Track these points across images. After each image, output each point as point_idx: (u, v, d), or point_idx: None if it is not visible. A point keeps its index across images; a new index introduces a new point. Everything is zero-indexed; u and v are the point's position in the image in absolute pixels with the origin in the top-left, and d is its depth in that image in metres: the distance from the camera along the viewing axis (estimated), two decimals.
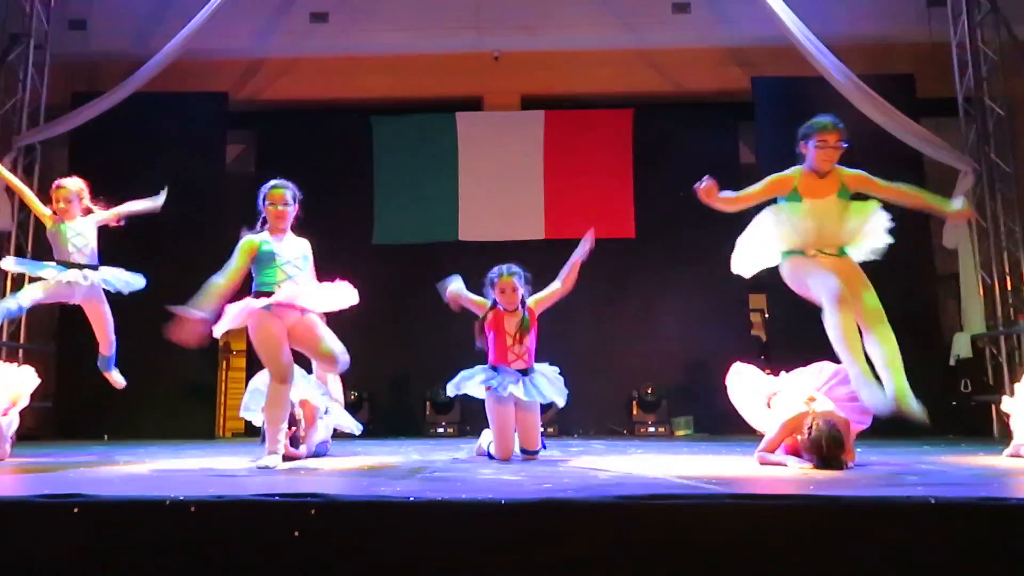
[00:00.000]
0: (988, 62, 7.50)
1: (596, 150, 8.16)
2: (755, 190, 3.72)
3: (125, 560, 2.03)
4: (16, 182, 5.24)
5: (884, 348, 3.39)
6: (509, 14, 8.07)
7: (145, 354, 7.47)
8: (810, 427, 3.38)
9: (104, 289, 4.92)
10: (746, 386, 4.02)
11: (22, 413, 4.58)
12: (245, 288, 3.93)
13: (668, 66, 8.25)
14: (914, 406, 3.26)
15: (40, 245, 8.03)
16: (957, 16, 7.62)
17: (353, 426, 4.77)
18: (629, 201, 8.11)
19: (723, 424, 7.10)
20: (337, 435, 7.17)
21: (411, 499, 2.15)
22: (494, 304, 4.34)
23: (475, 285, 8.07)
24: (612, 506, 2.11)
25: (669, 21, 8.07)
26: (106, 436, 7.04)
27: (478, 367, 4.39)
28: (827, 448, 3.34)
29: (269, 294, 3.80)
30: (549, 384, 4.24)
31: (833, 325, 3.35)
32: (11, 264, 5.07)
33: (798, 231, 3.64)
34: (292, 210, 4.10)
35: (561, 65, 8.21)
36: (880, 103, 6.85)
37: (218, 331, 3.75)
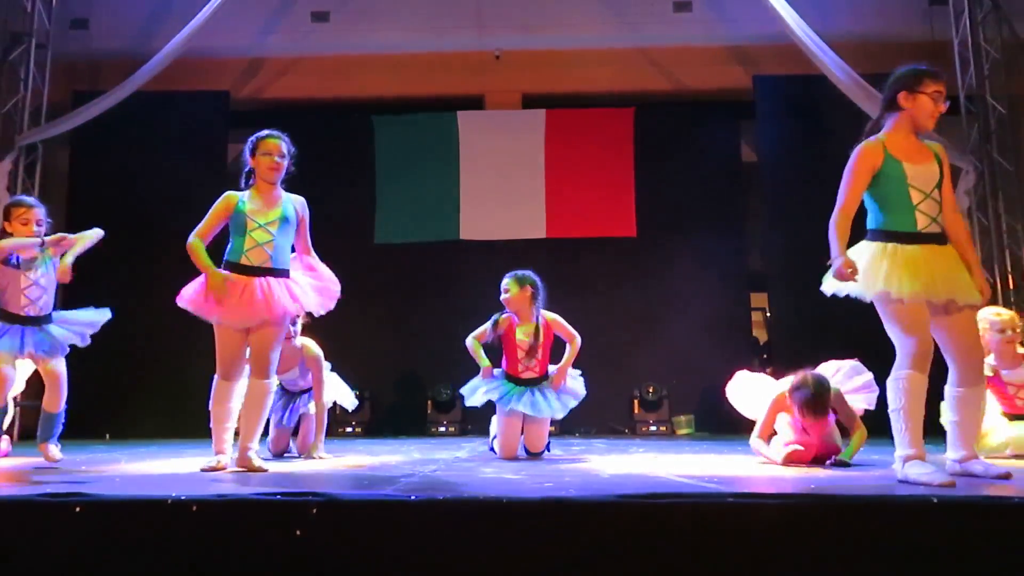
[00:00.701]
0: (990, 60, 7.48)
1: (597, 149, 8.16)
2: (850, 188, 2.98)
3: (127, 559, 2.03)
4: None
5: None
6: (510, 13, 8.06)
7: (146, 353, 7.51)
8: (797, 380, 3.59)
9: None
10: (748, 391, 4.04)
11: (24, 412, 4.60)
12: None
13: (669, 64, 8.25)
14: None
15: None
16: (959, 14, 7.61)
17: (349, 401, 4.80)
18: (630, 200, 8.10)
19: (724, 423, 7.10)
20: (337, 434, 7.21)
21: (413, 498, 2.15)
22: (504, 311, 4.31)
23: (476, 284, 8.09)
24: (613, 505, 2.11)
25: (670, 19, 8.06)
26: (108, 435, 7.05)
27: (482, 380, 4.42)
28: (813, 386, 3.51)
29: (235, 265, 3.52)
30: (556, 399, 4.22)
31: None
32: None
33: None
34: (286, 164, 3.77)
35: (562, 64, 8.21)
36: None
37: (182, 302, 3.56)
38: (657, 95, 8.31)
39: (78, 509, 2.07)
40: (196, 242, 3.59)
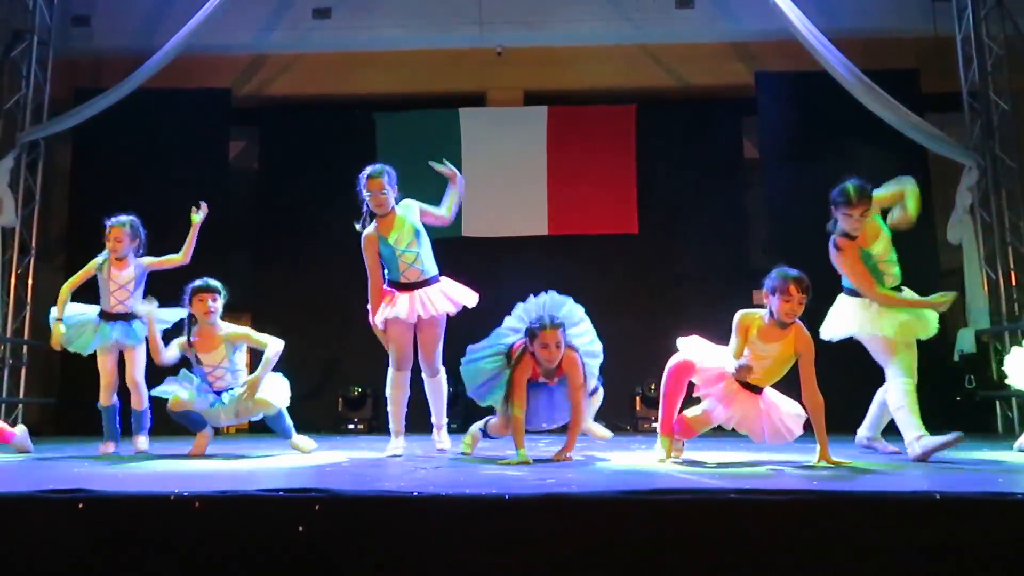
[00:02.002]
0: (993, 56, 7.47)
1: (599, 146, 8.15)
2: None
3: (130, 555, 2.03)
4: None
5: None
6: (512, 9, 8.05)
7: (149, 349, 7.50)
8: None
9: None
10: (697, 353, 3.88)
11: (27, 408, 4.64)
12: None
13: (671, 61, 8.24)
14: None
15: (45, 242, 8.06)
16: (962, 10, 7.59)
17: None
18: (632, 196, 8.09)
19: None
20: (340, 431, 7.21)
21: (415, 494, 2.15)
22: (524, 351, 3.65)
23: (478, 281, 8.07)
24: (615, 501, 2.11)
25: (672, 16, 8.05)
26: None
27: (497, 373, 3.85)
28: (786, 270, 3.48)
29: (398, 284, 4.25)
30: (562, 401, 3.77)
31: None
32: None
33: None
34: (391, 193, 4.37)
35: (564, 61, 8.20)
36: (884, 98, 6.83)
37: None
38: (659, 92, 8.30)
39: (81, 505, 2.07)
40: (377, 286, 4.32)
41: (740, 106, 8.14)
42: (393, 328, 4.26)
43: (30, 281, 7.71)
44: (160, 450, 4.58)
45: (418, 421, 7.96)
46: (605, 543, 2.01)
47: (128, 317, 4.64)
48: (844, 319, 3.84)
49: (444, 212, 4.58)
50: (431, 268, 4.36)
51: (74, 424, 7.38)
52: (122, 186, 7.75)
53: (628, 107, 8.23)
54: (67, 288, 4.67)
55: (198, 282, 4.34)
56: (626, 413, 7.61)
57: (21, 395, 7.43)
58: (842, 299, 3.90)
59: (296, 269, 7.98)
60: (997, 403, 7.01)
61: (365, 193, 4.30)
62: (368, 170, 4.37)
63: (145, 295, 4.66)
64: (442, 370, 4.50)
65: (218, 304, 4.31)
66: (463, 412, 7.54)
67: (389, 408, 4.42)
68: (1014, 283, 7.24)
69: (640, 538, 2.02)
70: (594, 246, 8.01)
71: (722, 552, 2.01)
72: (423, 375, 4.47)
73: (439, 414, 4.58)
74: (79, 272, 4.76)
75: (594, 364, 3.96)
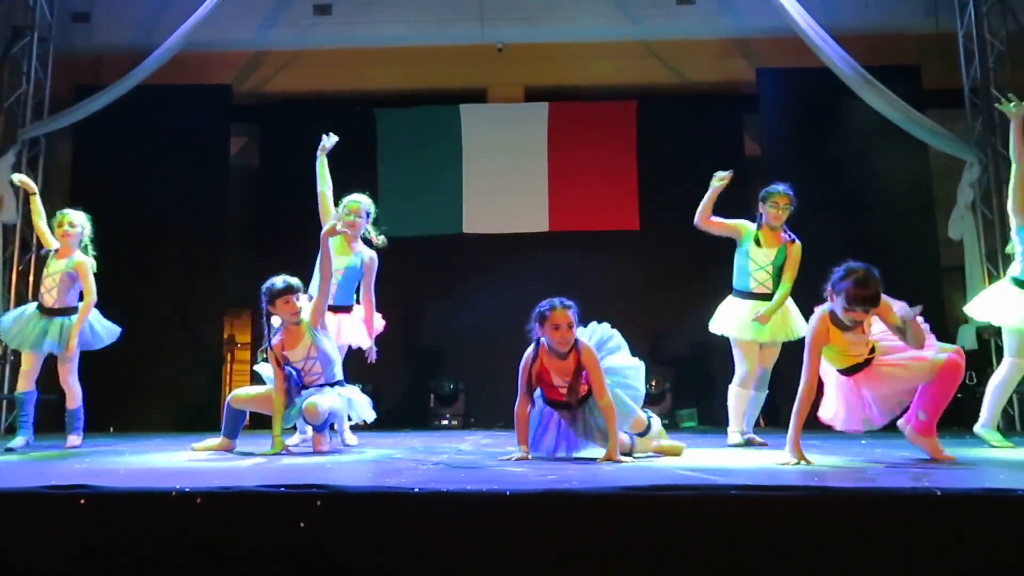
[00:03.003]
0: (995, 52, 7.45)
1: (600, 142, 8.14)
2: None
3: (131, 551, 2.03)
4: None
5: None
6: (513, 6, 8.04)
7: (151, 345, 7.52)
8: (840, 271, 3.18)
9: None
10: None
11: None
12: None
13: (672, 58, 8.22)
14: None
15: None
16: (964, 6, 7.57)
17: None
18: (633, 193, 8.09)
19: (728, 417, 7.10)
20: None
21: (416, 490, 2.15)
22: (538, 343, 3.52)
23: (479, 277, 8.06)
24: (617, 497, 2.11)
25: (673, 12, 8.04)
26: (112, 428, 7.06)
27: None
28: (863, 271, 3.11)
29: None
30: (600, 420, 3.45)
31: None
32: None
33: None
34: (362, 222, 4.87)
35: (565, 57, 8.19)
36: (886, 94, 6.81)
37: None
38: (660, 88, 8.29)
39: (83, 501, 2.08)
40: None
41: (741, 102, 8.13)
42: None
43: (31, 278, 7.70)
44: (162, 447, 4.58)
45: (419, 417, 7.94)
46: (606, 539, 2.02)
47: (64, 312, 4.62)
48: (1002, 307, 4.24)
49: (322, 187, 5.03)
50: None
51: None
52: (123, 183, 7.77)
53: (629, 103, 8.22)
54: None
55: (280, 284, 4.04)
56: None
57: None
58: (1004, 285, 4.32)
59: (296, 266, 7.92)
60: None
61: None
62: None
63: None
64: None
65: (303, 301, 4.08)
66: (463, 410, 7.55)
67: None
68: None
69: (641, 534, 2.02)
70: (595, 242, 8.01)
71: (723, 548, 2.01)
72: None
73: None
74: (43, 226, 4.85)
75: (633, 401, 3.70)
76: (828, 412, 3.46)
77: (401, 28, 8.10)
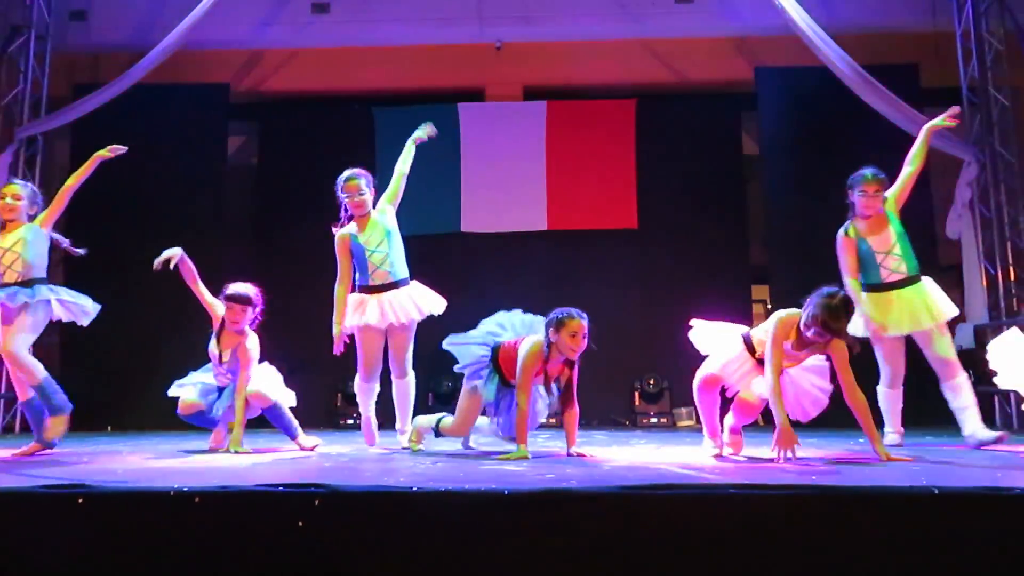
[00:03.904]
0: (992, 51, 7.46)
1: (599, 141, 8.13)
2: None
3: (130, 551, 2.04)
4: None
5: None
6: (511, 4, 8.03)
7: (148, 345, 7.52)
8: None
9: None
10: (710, 334, 3.89)
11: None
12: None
13: (671, 56, 8.22)
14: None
15: None
16: (961, 5, 7.58)
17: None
18: (631, 192, 8.08)
19: (725, 415, 7.10)
20: (339, 426, 7.21)
21: (414, 489, 2.15)
22: (549, 345, 3.67)
23: (477, 276, 8.06)
24: (615, 496, 2.11)
25: (672, 11, 8.03)
26: (109, 427, 7.06)
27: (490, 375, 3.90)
28: (838, 296, 3.29)
29: (367, 288, 4.29)
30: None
31: None
32: None
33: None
34: (368, 197, 4.53)
35: (563, 55, 8.18)
36: (884, 93, 6.81)
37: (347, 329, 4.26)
38: (659, 87, 8.28)
39: (80, 501, 2.08)
40: (340, 291, 4.43)
41: (739, 101, 8.13)
42: (363, 335, 4.28)
43: None
44: (160, 447, 4.57)
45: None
46: (604, 538, 2.02)
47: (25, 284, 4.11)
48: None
49: (402, 167, 4.94)
50: (401, 271, 4.43)
51: (74, 420, 7.38)
52: (120, 181, 7.73)
53: (628, 102, 8.22)
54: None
55: (240, 292, 4.36)
56: (625, 408, 7.62)
57: None
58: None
59: (295, 264, 7.98)
60: (996, 398, 7.02)
61: (343, 196, 4.47)
62: (346, 173, 4.58)
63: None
64: (411, 373, 4.53)
65: (248, 316, 4.37)
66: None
67: (363, 414, 4.50)
68: (1013, 278, 7.24)
69: (639, 533, 2.02)
70: (593, 241, 8.01)
71: (721, 547, 2.01)
72: (392, 376, 4.48)
73: (403, 418, 4.50)
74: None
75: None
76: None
77: (399, 27, 8.09)
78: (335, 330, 4.30)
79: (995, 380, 4.29)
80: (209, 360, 4.46)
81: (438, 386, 7.50)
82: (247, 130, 8.57)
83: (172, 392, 4.45)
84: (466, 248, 8.02)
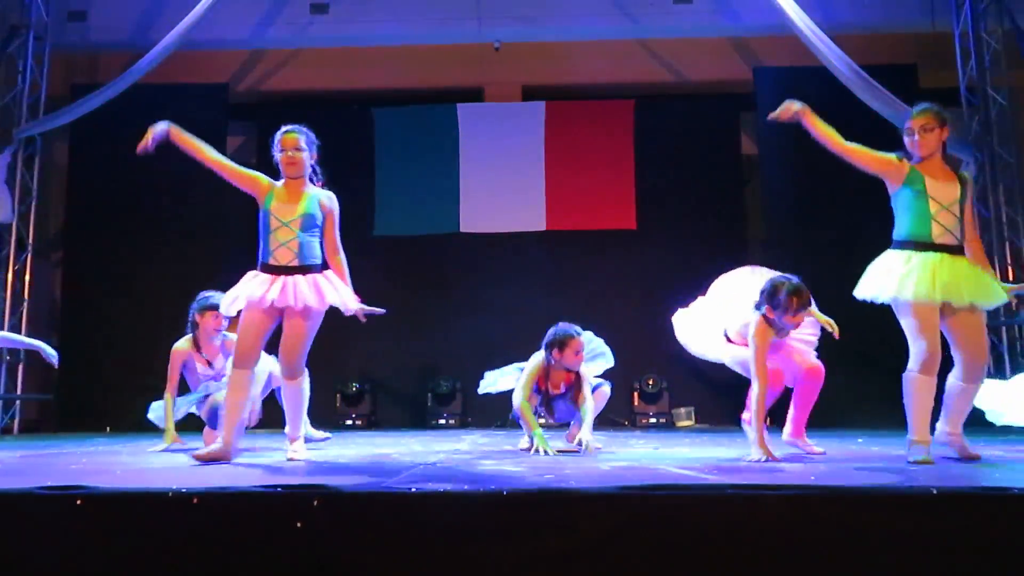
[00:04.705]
0: (991, 52, 7.47)
1: (597, 141, 8.14)
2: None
3: (128, 552, 2.03)
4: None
5: None
6: (510, 4, 8.03)
7: (147, 345, 7.50)
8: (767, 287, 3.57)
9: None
10: (695, 327, 4.08)
11: (24, 405, 4.61)
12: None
13: (670, 56, 8.22)
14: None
15: (42, 238, 8.05)
16: (960, 5, 7.59)
17: None
18: (630, 192, 8.09)
19: (725, 415, 7.11)
20: (338, 426, 7.21)
21: (413, 490, 2.15)
22: (540, 364, 4.18)
23: (476, 276, 8.05)
24: (614, 497, 2.11)
25: (671, 11, 8.03)
26: (108, 428, 7.06)
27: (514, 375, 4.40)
28: (789, 282, 3.50)
29: (267, 267, 3.57)
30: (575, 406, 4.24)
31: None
32: None
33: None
34: (306, 157, 3.83)
35: (562, 56, 8.18)
36: (882, 93, 6.82)
37: (232, 311, 3.63)
38: (657, 87, 8.29)
39: (79, 502, 2.07)
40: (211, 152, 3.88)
41: (738, 101, 8.13)
42: (246, 313, 3.54)
43: (27, 277, 7.70)
44: (161, 445, 4.57)
45: (417, 416, 7.93)
46: (603, 538, 2.02)
47: None
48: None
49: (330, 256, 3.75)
50: (310, 257, 3.63)
51: (72, 420, 7.39)
52: (119, 182, 7.74)
53: (626, 102, 8.22)
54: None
55: (214, 300, 4.34)
56: (624, 408, 7.62)
57: (19, 391, 7.43)
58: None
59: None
60: None
61: (276, 153, 3.84)
62: (285, 128, 3.94)
63: None
64: (306, 375, 3.78)
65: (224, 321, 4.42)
66: (461, 410, 7.54)
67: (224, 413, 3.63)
68: (1011, 278, 7.25)
69: (638, 533, 2.02)
70: (592, 241, 8.01)
71: (720, 547, 2.01)
72: (282, 376, 3.74)
73: (292, 424, 3.75)
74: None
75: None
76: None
77: (398, 27, 8.09)
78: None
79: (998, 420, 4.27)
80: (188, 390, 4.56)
81: (437, 386, 7.51)
82: (246, 130, 8.56)
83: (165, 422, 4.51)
84: (465, 248, 8.02)
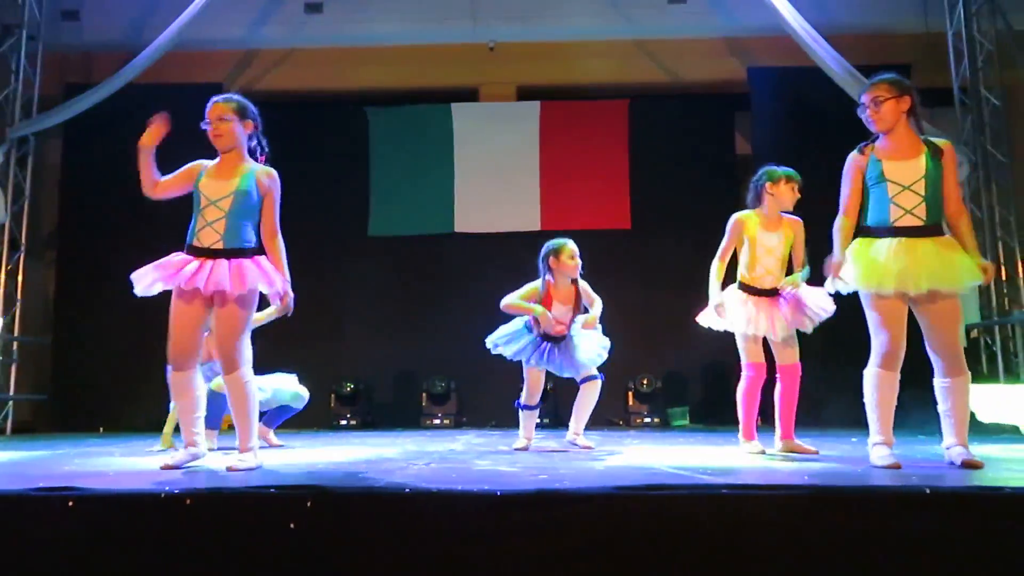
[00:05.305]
0: (984, 52, 7.49)
1: (592, 141, 8.14)
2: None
3: (121, 553, 2.03)
4: None
5: None
6: (505, 4, 8.03)
7: (140, 346, 7.49)
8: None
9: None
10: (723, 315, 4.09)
11: (17, 405, 4.58)
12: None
13: (664, 56, 8.23)
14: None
15: (35, 237, 8.02)
16: (953, 6, 7.61)
17: None
18: (625, 191, 8.09)
19: (719, 414, 7.12)
20: (332, 427, 7.20)
21: (407, 490, 2.15)
22: (545, 281, 4.41)
23: (471, 276, 8.03)
24: (608, 497, 2.11)
25: (665, 11, 8.04)
26: (101, 428, 7.03)
27: (519, 330, 4.48)
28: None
29: (192, 249, 3.24)
30: (582, 351, 4.41)
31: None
32: None
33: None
34: (235, 128, 3.39)
35: (557, 56, 8.19)
36: None
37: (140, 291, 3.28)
38: (652, 87, 8.29)
39: (71, 503, 2.07)
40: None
41: (733, 101, 8.14)
42: (173, 307, 3.25)
43: (20, 277, 7.67)
44: (156, 445, 4.56)
45: (411, 416, 7.92)
46: (598, 539, 2.02)
47: None
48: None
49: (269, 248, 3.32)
50: (238, 240, 3.24)
51: (66, 420, 7.36)
52: (113, 182, 7.67)
53: (621, 102, 8.22)
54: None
55: None
56: (619, 408, 7.62)
57: (12, 392, 7.40)
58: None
59: (288, 264, 7.98)
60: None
61: (204, 126, 3.44)
62: (213, 97, 3.50)
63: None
64: (245, 371, 3.23)
65: None
66: (455, 410, 7.53)
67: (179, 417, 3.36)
68: (1004, 277, 7.28)
69: (633, 533, 2.02)
70: (587, 241, 7.90)
71: (715, 547, 2.02)
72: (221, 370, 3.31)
73: (242, 431, 3.25)
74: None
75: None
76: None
77: (393, 26, 8.08)
78: None
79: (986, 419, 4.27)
80: None
81: (432, 386, 7.50)
82: None
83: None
84: (460, 248, 8.02)
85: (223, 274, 3.14)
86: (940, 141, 3.21)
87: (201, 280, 3.13)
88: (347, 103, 8.35)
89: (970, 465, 2.95)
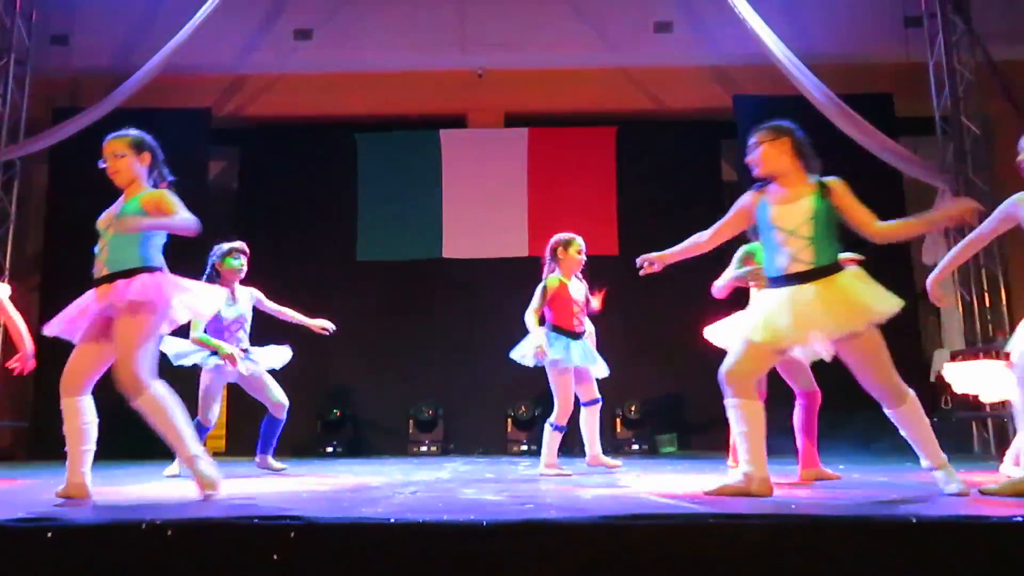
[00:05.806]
0: (964, 82, 7.62)
1: (579, 167, 8.20)
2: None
3: None
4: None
5: None
6: (493, 32, 8.11)
7: None
8: None
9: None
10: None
11: None
12: None
13: (651, 84, 8.32)
14: None
15: (20, 262, 7.95)
16: (933, 36, 7.75)
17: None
18: (612, 218, 8.14)
19: (707, 441, 7.11)
20: (318, 454, 7.13)
21: (392, 520, 2.13)
22: (555, 274, 4.61)
23: (459, 302, 8.03)
24: (595, 527, 2.10)
25: (652, 40, 8.15)
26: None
27: (550, 334, 4.52)
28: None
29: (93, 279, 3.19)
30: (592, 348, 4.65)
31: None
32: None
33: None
34: (132, 163, 3.45)
35: (545, 83, 8.26)
36: (859, 122, 6.93)
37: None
38: (639, 114, 8.38)
39: (50, 535, 2.03)
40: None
41: (718, 129, 8.23)
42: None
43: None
44: (137, 475, 4.50)
45: (398, 443, 7.86)
46: (584, 568, 2.00)
47: None
48: None
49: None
50: (118, 263, 3.23)
51: (48, 449, 7.25)
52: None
53: (608, 129, 8.30)
54: None
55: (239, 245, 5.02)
56: (607, 436, 7.57)
57: None
58: None
59: (275, 290, 7.93)
60: (974, 424, 7.08)
61: (102, 162, 3.48)
62: (108, 136, 3.52)
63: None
64: (151, 391, 3.26)
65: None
66: (442, 436, 7.47)
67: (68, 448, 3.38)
68: (988, 304, 7.34)
69: (619, 563, 2.01)
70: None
71: None
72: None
73: (178, 444, 3.28)
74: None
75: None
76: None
77: (381, 53, 8.14)
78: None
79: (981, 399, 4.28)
80: None
81: (419, 413, 7.45)
82: (228, 155, 8.55)
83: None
84: (448, 274, 8.02)
85: (99, 294, 3.14)
86: (830, 179, 3.16)
87: (85, 313, 3.17)
88: (336, 129, 8.38)
89: (960, 494, 2.89)
